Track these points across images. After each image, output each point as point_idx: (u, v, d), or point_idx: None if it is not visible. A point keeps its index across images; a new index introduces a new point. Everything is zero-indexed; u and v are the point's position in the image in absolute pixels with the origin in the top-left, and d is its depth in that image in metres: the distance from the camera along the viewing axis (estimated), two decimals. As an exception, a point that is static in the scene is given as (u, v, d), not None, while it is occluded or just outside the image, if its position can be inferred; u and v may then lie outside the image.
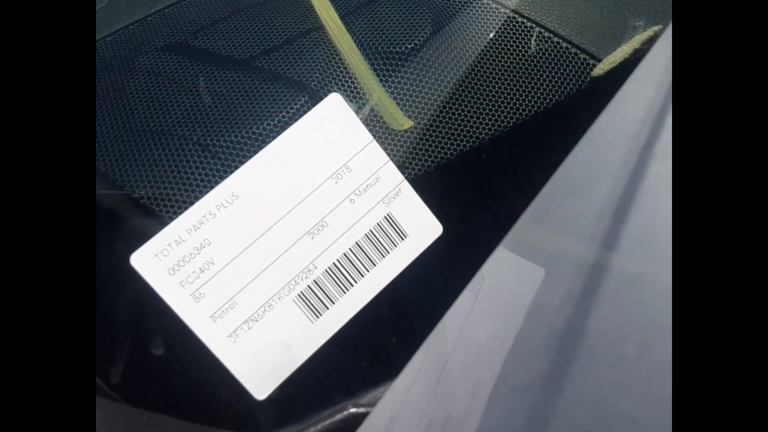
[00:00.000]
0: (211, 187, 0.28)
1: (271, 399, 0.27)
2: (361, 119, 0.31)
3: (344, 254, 0.29)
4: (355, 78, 0.32)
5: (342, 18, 0.34)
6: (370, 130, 0.31)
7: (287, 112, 0.31)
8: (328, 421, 0.29)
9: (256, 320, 0.27)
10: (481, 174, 0.34)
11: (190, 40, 0.33)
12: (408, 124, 0.32)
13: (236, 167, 0.29)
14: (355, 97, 0.32)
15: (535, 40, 0.38)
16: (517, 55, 0.37)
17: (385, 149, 0.31)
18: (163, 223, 0.27)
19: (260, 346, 0.27)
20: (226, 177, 0.28)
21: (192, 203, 0.27)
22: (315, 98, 0.32)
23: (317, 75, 0.33)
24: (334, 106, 0.30)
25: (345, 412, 0.29)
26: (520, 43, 0.37)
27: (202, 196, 0.27)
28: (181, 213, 0.27)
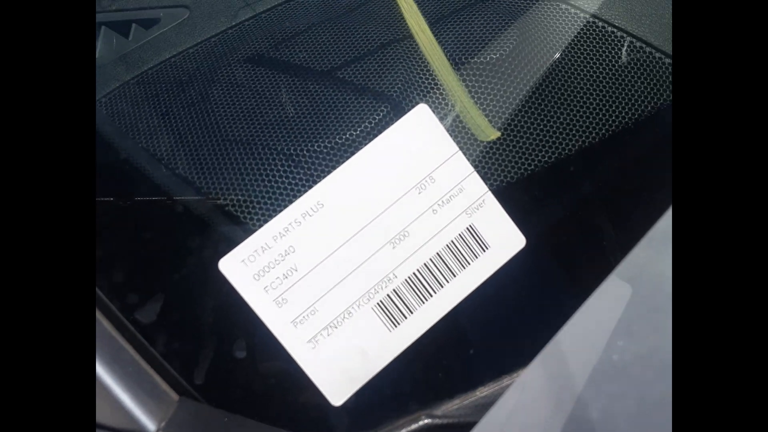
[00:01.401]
0: (295, 195, 0.29)
1: (347, 406, 0.27)
2: (445, 128, 0.31)
3: (425, 264, 0.29)
4: (441, 88, 0.32)
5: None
6: (455, 140, 0.31)
7: (370, 122, 0.32)
8: (402, 431, 0.29)
9: (336, 327, 0.28)
10: (569, 187, 0.33)
11: (271, 52, 0.34)
12: (495, 134, 0.32)
13: (319, 176, 0.30)
14: (439, 106, 0.32)
15: (626, 50, 0.37)
16: (608, 65, 0.36)
17: (469, 159, 0.30)
18: (248, 231, 0.28)
19: (338, 352, 0.28)
20: (310, 185, 0.29)
21: (277, 211, 0.28)
22: (398, 108, 0.32)
23: (400, 84, 0.33)
24: (421, 116, 0.30)
25: (420, 423, 0.29)
26: (611, 53, 0.36)
27: (287, 204, 0.28)
28: (266, 220, 0.28)
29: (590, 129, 0.34)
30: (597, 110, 0.34)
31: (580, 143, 0.33)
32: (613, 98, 0.35)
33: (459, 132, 0.32)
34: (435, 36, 0.34)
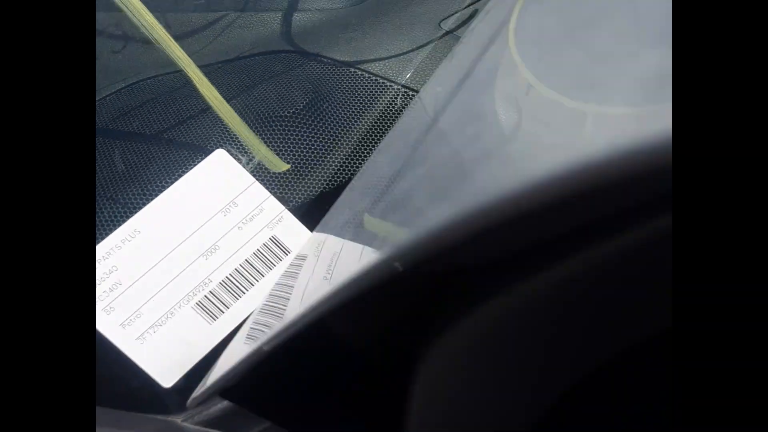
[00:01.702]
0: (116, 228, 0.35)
1: (177, 386, 0.33)
2: (250, 168, 0.39)
3: (236, 269, 0.36)
4: (239, 137, 0.40)
5: (236, 95, 0.43)
6: (260, 175, 0.38)
7: (186, 169, 0.39)
8: (226, 403, 0.34)
9: (161, 325, 0.34)
10: (354, 203, 0.41)
11: (109, 125, 0.42)
12: (285, 167, 0.40)
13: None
14: (243, 151, 0.40)
15: (401, 98, 0.46)
16: (386, 110, 0.45)
17: (271, 188, 0.38)
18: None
19: (165, 345, 0.34)
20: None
21: (101, 241, 0.35)
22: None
23: (213, 140, 0.41)
24: (220, 158, 0.38)
25: (242, 396, 0.35)
26: (389, 100, 0.45)
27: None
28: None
29: (366, 156, 0.42)
30: (376, 144, 0.43)
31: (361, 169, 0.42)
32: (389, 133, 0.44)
33: (261, 169, 0.40)
34: (239, 101, 0.42)
